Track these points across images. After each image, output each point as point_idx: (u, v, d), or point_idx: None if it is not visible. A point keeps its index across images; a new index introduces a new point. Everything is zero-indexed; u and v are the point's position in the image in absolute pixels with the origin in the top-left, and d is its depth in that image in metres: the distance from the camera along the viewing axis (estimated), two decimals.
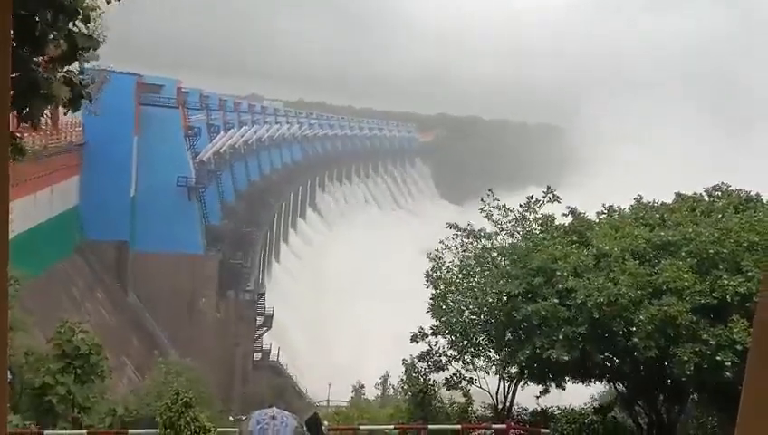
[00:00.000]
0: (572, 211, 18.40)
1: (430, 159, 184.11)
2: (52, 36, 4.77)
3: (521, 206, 19.14)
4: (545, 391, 17.76)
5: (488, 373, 18.04)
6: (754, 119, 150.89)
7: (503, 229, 19.08)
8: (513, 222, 19.10)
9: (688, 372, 13.28)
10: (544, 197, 18.95)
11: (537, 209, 18.88)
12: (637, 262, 14.79)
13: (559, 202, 18.87)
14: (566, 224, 18.22)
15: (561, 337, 14.52)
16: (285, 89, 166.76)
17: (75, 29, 4.87)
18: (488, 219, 19.21)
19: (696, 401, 16.63)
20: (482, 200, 19.53)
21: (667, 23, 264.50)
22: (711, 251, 14.06)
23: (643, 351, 13.73)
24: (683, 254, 14.50)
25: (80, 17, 4.79)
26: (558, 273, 15.24)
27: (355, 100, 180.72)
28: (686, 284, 13.73)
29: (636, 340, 13.78)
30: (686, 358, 13.20)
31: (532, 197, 19.18)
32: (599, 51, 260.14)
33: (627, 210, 18.34)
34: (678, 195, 18.48)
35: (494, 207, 19.21)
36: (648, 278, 14.42)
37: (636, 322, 13.90)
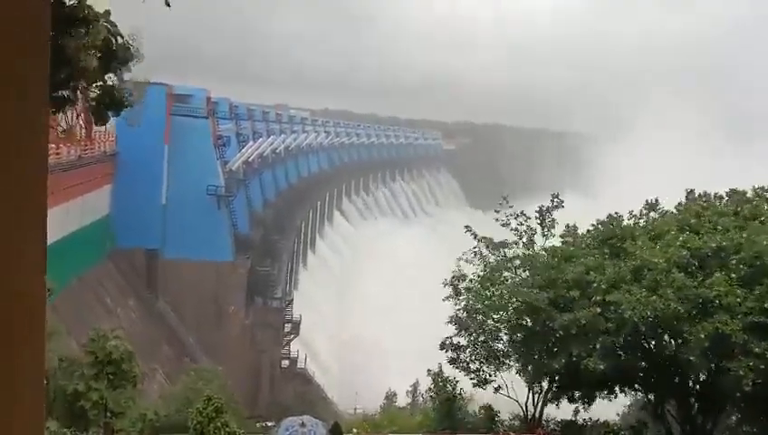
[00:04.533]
0: (602, 222, 18.15)
1: (455, 166, 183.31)
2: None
3: (536, 215, 19.02)
4: (573, 400, 17.49)
5: (515, 390, 17.89)
6: (758, 119, 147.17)
7: (521, 238, 18.98)
8: (532, 230, 19.00)
9: (746, 388, 12.98)
10: (552, 202, 18.83)
11: (551, 216, 18.78)
12: (682, 274, 14.39)
13: (563, 207, 18.73)
14: (592, 231, 17.99)
15: (598, 346, 14.35)
16: (312, 97, 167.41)
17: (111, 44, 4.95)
18: (506, 227, 19.13)
19: (741, 416, 16.20)
20: (495, 211, 19.47)
21: (674, 21, 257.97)
22: (766, 259, 13.55)
23: (698, 366, 13.48)
24: (733, 263, 14.00)
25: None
26: (594, 284, 15.08)
27: (379, 108, 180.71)
28: (738, 300, 13.40)
29: (692, 357, 13.50)
30: (742, 373, 12.91)
31: (542, 206, 19.10)
32: (607, 52, 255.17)
33: (673, 211, 17.99)
34: (716, 196, 18.01)
35: (510, 216, 19.14)
36: (695, 291, 14.03)
37: (687, 337, 13.63)
